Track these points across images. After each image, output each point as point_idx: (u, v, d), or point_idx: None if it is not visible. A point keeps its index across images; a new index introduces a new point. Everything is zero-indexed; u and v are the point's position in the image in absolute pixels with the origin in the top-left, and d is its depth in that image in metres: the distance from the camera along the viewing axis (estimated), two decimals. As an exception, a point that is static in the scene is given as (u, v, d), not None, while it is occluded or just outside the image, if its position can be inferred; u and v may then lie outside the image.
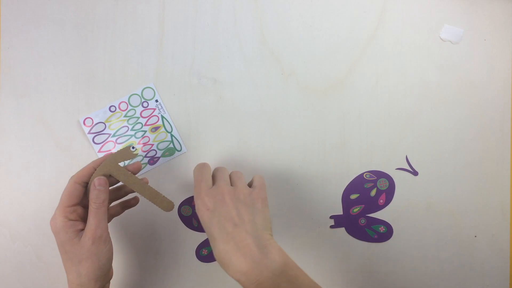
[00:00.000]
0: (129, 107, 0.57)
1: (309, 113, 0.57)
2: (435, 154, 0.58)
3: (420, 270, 0.57)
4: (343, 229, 0.57)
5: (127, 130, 0.57)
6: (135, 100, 0.57)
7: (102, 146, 0.56)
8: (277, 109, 0.57)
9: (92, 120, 0.56)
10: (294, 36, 0.57)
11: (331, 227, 0.57)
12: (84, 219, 0.46)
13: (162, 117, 0.57)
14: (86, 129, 0.56)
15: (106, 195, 0.45)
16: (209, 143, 0.57)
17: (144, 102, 0.57)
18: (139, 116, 0.57)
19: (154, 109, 0.57)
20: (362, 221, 0.57)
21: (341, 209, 0.57)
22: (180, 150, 0.57)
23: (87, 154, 0.56)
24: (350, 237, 0.57)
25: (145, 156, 0.57)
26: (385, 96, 0.58)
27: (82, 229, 0.44)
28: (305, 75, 0.57)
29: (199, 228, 0.56)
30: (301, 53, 0.57)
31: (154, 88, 0.57)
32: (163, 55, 0.57)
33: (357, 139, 0.57)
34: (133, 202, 0.52)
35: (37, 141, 0.56)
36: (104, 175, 0.46)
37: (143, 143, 0.57)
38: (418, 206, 0.57)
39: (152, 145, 0.57)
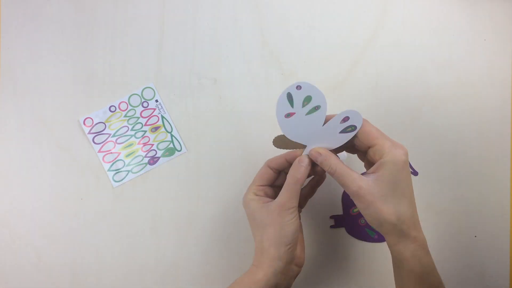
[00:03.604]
0: (129, 107, 0.57)
1: (309, 113, 0.57)
2: (435, 154, 0.58)
3: (420, 270, 0.57)
4: (343, 229, 0.57)
5: (127, 130, 0.57)
6: (135, 100, 0.57)
7: (102, 146, 0.56)
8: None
9: (92, 120, 0.56)
10: (294, 36, 0.57)
11: (331, 227, 0.57)
12: (272, 197, 0.48)
13: (162, 117, 0.57)
14: (86, 129, 0.56)
15: (304, 174, 0.45)
16: (209, 143, 0.57)
17: (144, 102, 0.57)
18: (139, 116, 0.57)
19: (154, 109, 0.57)
20: (362, 221, 0.57)
21: (341, 209, 0.57)
22: (180, 150, 0.57)
23: (87, 154, 0.56)
24: (350, 237, 0.57)
25: (145, 156, 0.57)
26: (385, 96, 0.58)
27: (270, 201, 0.46)
28: (305, 75, 0.57)
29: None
30: (301, 53, 0.57)
31: (154, 88, 0.57)
32: (163, 55, 0.57)
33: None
34: (321, 180, 0.51)
35: (37, 141, 0.56)
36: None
37: (143, 143, 0.57)
38: (418, 206, 0.57)
39: (152, 145, 0.57)
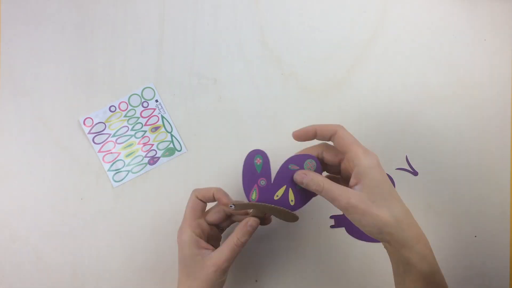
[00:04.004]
0: (129, 107, 0.57)
1: (309, 113, 0.57)
2: (435, 154, 0.58)
3: (420, 270, 0.57)
4: (343, 229, 0.57)
5: (127, 130, 0.57)
6: (135, 100, 0.57)
7: (102, 146, 0.56)
8: (277, 109, 0.57)
9: (92, 120, 0.56)
10: (294, 36, 0.57)
11: (331, 227, 0.57)
12: (207, 236, 0.47)
13: (162, 117, 0.57)
14: (86, 129, 0.56)
15: (249, 237, 0.45)
16: (209, 143, 0.57)
17: (144, 102, 0.57)
18: (139, 116, 0.57)
19: (154, 109, 0.57)
20: None
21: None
22: (180, 150, 0.57)
23: (87, 154, 0.56)
24: (350, 237, 0.57)
25: (145, 156, 0.57)
26: (385, 96, 0.58)
27: (205, 248, 0.45)
28: (305, 75, 0.57)
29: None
30: (301, 53, 0.57)
31: (154, 88, 0.57)
32: (163, 55, 0.57)
33: (357, 139, 0.57)
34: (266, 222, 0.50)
35: (37, 141, 0.56)
36: (256, 216, 0.46)
37: (143, 143, 0.57)
38: (418, 206, 0.57)
39: (152, 145, 0.57)
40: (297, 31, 0.57)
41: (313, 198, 0.47)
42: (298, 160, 0.46)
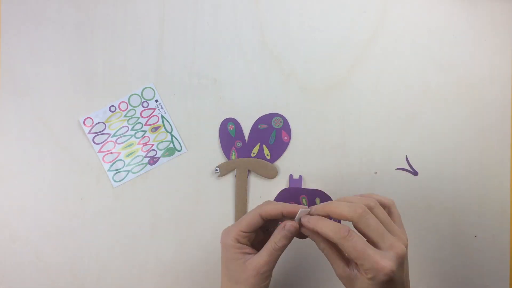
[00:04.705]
0: (129, 107, 0.57)
1: (309, 113, 0.57)
2: (435, 154, 0.58)
3: (420, 270, 0.57)
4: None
5: (127, 130, 0.57)
6: (135, 100, 0.57)
7: (102, 146, 0.56)
8: (277, 109, 0.57)
9: (92, 120, 0.56)
10: (294, 36, 0.57)
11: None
12: (252, 244, 0.45)
13: (162, 117, 0.57)
14: (86, 129, 0.56)
15: (288, 242, 0.43)
16: (209, 143, 0.57)
17: (144, 102, 0.57)
18: (139, 116, 0.57)
19: (154, 109, 0.57)
20: None
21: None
22: (180, 150, 0.57)
23: (87, 154, 0.56)
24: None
25: (145, 156, 0.57)
26: (385, 96, 0.58)
27: (249, 253, 0.44)
28: (305, 75, 0.57)
29: None
30: (301, 53, 0.57)
31: (154, 88, 0.57)
32: (163, 55, 0.57)
33: (357, 139, 0.57)
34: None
35: (37, 141, 0.56)
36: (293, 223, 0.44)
37: (143, 143, 0.57)
38: (418, 206, 0.57)
39: (152, 145, 0.57)
40: (297, 31, 0.57)
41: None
42: (266, 119, 0.56)
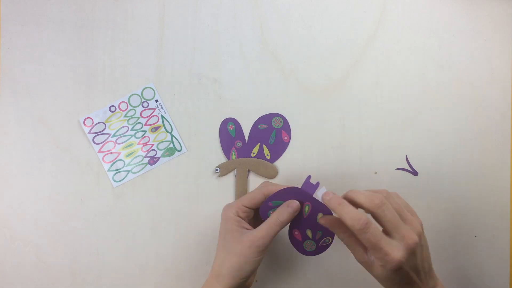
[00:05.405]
0: (129, 107, 0.57)
1: (309, 113, 0.57)
2: (435, 154, 0.58)
3: (420, 270, 0.57)
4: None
5: (127, 130, 0.57)
6: (135, 100, 0.57)
7: (102, 146, 0.56)
8: (277, 109, 0.57)
9: (92, 120, 0.56)
10: (294, 36, 0.57)
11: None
12: (250, 220, 0.48)
13: (162, 117, 0.57)
14: (86, 129, 0.56)
15: (290, 218, 0.46)
16: (209, 143, 0.57)
17: (144, 102, 0.57)
18: (139, 116, 0.57)
19: (154, 109, 0.57)
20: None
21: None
22: (180, 150, 0.57)
23: (87, 154, 0.56)
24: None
25: (145, 156, 0.57)
26: (385, 96, 0.58)
27: (246, 228, 0.46)
28: (305, 75, 0.57)
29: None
30: (301, 53, 0.57)
31: (154, 88, 0.57)
32: (163, 55, 0.57)
33: (357, 139, 0.57)
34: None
35: (37, 141, 0.56)
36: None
37: (143, 143, 0.57)
38: (418, 206, 0.57)
39: (152, 145, 0.57)
40: (297, 30, 0.57)
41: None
42: (266, 119, 0.56)
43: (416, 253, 0.41)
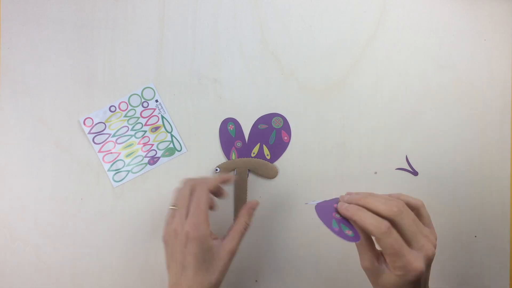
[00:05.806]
0: (129, 107, 0.57)
1: (309, 113, 0.57)
2: (435, 154, 0.58)
3: (420, 270, 0.57)
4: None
5: (127, 130, 0.57)
6: (135, 100, 0.57)
7: (102, 146, 0.56)
8: (277, 109, 0.57)
9: (92, 120, 0.56)
10: (294, 36, 0.57)
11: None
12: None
13: (162, 117, 0.57)
14: (86, 129, 0.56)
15: (251, 217, 0.49)
16: (209, 143, 0.57)
17: (144, 102, 0.57)
18: (139, 116, 0.57)
19: (154, 109, 0.57)
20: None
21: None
22: (180, 150, 0.57)
23: (87, 154, 0.56)
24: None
25: (145, 156, 0.57)
26: (385, 96, 0.58)
27: (214, 238, 0.46)
28: (305, 75, 0.57)
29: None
30: (301, 53, 0.57)
31: (154, 88, 0.57)
32: (163, 55, 0.57)
33: (357, 139, 0.57)
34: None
35: (37, 141, 0.56)
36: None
37: (143, 143, 0.57)
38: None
39: (152, 145, 0.57)
40: (297, 30, 0.57)
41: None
42: (266, 119, 0.56)
43: (430, 266, 0.40)
